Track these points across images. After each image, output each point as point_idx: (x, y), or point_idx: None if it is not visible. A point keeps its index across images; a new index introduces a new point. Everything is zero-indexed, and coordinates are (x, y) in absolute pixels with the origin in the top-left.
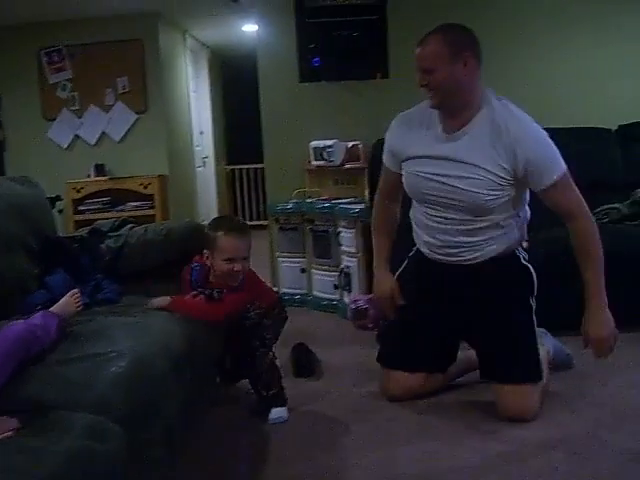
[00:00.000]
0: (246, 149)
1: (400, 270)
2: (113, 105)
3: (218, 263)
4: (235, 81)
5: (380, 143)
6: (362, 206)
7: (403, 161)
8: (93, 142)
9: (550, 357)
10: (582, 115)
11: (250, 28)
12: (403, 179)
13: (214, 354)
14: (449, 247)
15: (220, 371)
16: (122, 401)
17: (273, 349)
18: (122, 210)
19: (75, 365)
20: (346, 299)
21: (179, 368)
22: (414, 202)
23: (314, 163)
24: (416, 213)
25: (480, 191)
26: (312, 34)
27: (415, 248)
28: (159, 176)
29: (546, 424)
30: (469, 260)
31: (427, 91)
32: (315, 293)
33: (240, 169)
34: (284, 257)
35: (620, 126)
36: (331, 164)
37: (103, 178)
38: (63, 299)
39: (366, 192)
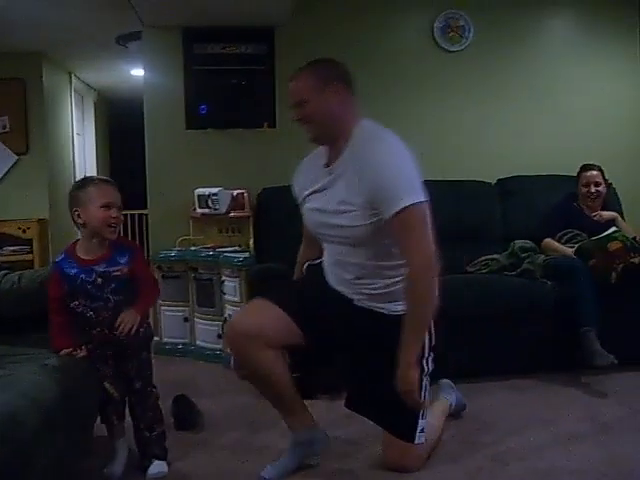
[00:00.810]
0: (131, 194)
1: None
2: None
3: (94, 214)
4: (122, 125)
5: (266, 192)
6: (246, 255)
7: (302, 200)
8: None
9: (451, 409)
10: (464, 169)
11: (139, 72)
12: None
13: (91, 403)
14: (340, 284)
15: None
16: None
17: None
18: (1, 254)
19: None
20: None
21: (51, 423)
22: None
23: (199, 211)
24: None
25: (353, 224)
26: (200, 81)
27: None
28: (39, 220)
29: (424, 470)
30: (366, 304)
31: (302, 125)
32: (198, 343)
33: (124, 215)
34: (167, 305)
35: (499, 180)
36: (216, 212)
37: None
38: None
39: (251, 241)
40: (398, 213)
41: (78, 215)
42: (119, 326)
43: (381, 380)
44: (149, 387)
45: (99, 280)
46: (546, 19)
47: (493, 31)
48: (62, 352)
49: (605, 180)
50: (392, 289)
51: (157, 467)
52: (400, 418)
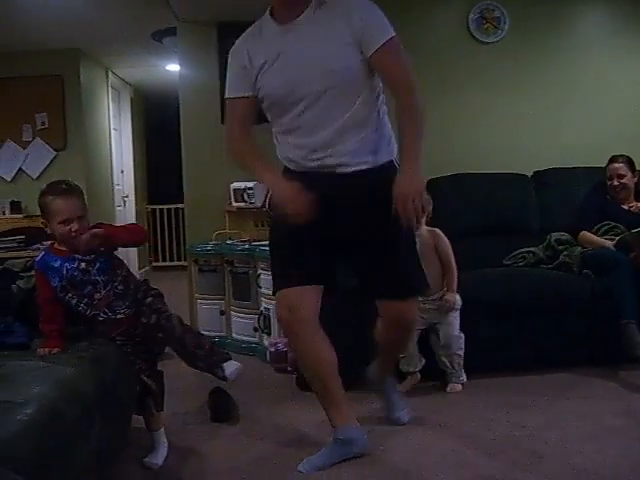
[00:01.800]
0: (167, 189)
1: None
2: (31, 141)
3: (56, 229)
4: (158, 120)
5: None
6: None
7: (257, 75)
8: (9, 178)
9: None
10: (500, 161)
11: (174, 67)
12: (263, 91)
13: (129, 394)
14: (318, 150)
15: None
16: (29, 451)
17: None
18: (38, 249)
19: None
20: (265, 342)
21: (90, 414)
22: (274, 115)
23: (235, 204)
24: (279, 126)
25: (344, 64)
26: None
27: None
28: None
29: (462, 467)
30: (339, 166)
31: None
32: (234, 336)
33: (161, 209)
34: (203, 299)
35: (535, 172)
36: (252, 206)
37: (19, 216)
38: None
39: None
40: (387, 42)
41: (45, 225)
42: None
43: (390, 244)
44: (165, 313)
45: (83, 264)
46: (582, 10)
47: (529, 22)
48: (43, 351)
49: (633, 170)
50: (373, 137)
51: (230, 367)
52: (416, 274)
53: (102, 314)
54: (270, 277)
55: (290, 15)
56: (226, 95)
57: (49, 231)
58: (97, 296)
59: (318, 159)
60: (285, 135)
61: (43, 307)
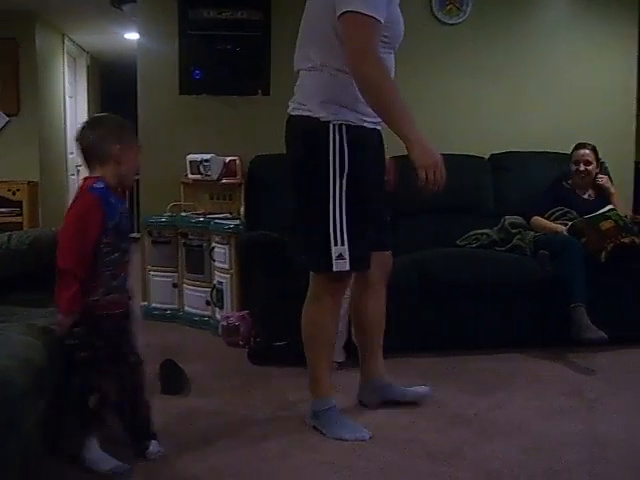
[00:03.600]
0: None
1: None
2: None
3: (133, 160)
4: (114, 88)
5: (258, 159)
6: (237, 222)
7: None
8: None
9: None
10: (458, 143)
11: (133, 36)
12: (388, 24)
13: None
14: None
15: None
16: None
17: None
18: None
19: None
20: (218, 315)
21: (39, 383)
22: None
23: (191, 177)
24: None
25: None
26: (194, 46)
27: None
28: (29, 182)
29: (411, 443)
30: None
31: None
32: (187, 309)
33: None
34: (155, 271)
35: (492, 155)
36: (208, 178)
37: None
38: None
39: (242, 208)
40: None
41: (118, 154)
42: None
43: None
44: (138, 358)
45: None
46: None
47: (491, 4)
48: (64, 319)
49: (597, 160)
50: None
51: (156, 446)
52: None
53: (115, 281)
54: (224, 250)
55: None
56: (375, 15)
57: (115, 159)
58: (126, 257)
59: None
60: None
61: (90, 239)
